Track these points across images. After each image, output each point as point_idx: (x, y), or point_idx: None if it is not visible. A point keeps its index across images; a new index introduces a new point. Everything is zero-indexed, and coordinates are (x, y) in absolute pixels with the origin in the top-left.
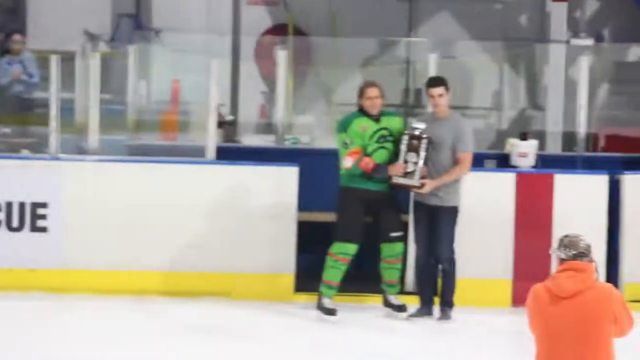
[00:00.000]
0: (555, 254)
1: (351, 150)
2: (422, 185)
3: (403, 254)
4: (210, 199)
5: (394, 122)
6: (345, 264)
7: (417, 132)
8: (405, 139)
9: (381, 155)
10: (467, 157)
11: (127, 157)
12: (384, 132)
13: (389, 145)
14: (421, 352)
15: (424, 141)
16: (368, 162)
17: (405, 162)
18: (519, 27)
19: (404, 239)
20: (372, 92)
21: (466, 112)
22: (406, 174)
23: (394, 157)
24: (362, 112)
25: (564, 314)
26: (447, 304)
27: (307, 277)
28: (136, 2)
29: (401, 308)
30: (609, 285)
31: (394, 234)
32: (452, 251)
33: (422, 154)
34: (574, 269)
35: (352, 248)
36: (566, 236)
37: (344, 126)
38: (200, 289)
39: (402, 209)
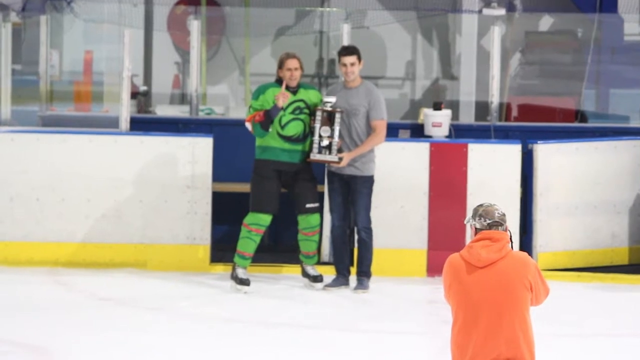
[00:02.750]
0: (470, 223)
1: (248, 117)
2: (340, 160)
3: (319, 226)
4: (124, 170)
5: (311, 95)
6: (258, 235)
7: (328, 107)
8: (318, 114)
9: (296, 127)
10: (381, 125)
11: (40, 128)
12: (300, 104)
13: (303, 117)
14: (337, 322)
15: (337, 115)
16: (258, 114)
17: (320, 136)
18: None
19: (320, 210)
20: (292, 63)
21: (380, 82)
22: (322, 149)
23: (308, 129)
24: (280, 82)
25: (480, 283)
26: (364, 274)
27: (223, 248)
28: None
29: (317, 278)
30: (524, 254)
31: (309, 205)
32: (368, 220)
33: (337, 127)
34: (489, 238)
35: (265, 219)
36: (481, 205)
37: (257, 93)
38: (116, 260)
39: (316, 179)
